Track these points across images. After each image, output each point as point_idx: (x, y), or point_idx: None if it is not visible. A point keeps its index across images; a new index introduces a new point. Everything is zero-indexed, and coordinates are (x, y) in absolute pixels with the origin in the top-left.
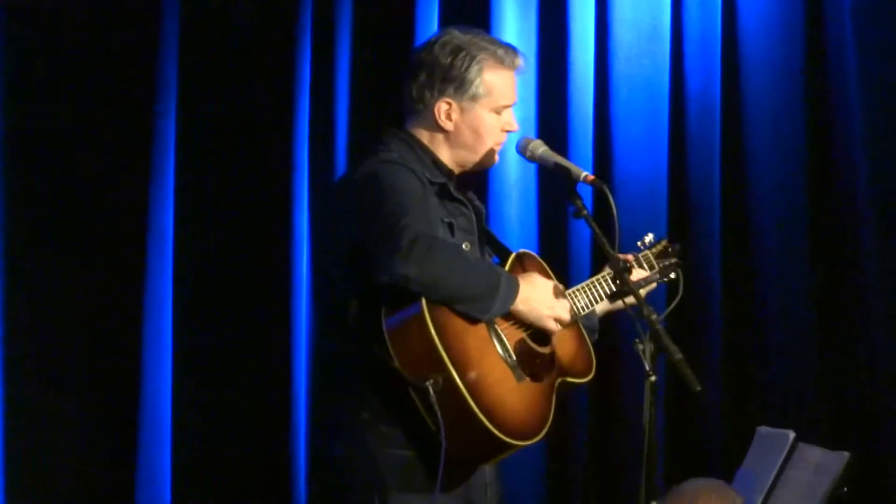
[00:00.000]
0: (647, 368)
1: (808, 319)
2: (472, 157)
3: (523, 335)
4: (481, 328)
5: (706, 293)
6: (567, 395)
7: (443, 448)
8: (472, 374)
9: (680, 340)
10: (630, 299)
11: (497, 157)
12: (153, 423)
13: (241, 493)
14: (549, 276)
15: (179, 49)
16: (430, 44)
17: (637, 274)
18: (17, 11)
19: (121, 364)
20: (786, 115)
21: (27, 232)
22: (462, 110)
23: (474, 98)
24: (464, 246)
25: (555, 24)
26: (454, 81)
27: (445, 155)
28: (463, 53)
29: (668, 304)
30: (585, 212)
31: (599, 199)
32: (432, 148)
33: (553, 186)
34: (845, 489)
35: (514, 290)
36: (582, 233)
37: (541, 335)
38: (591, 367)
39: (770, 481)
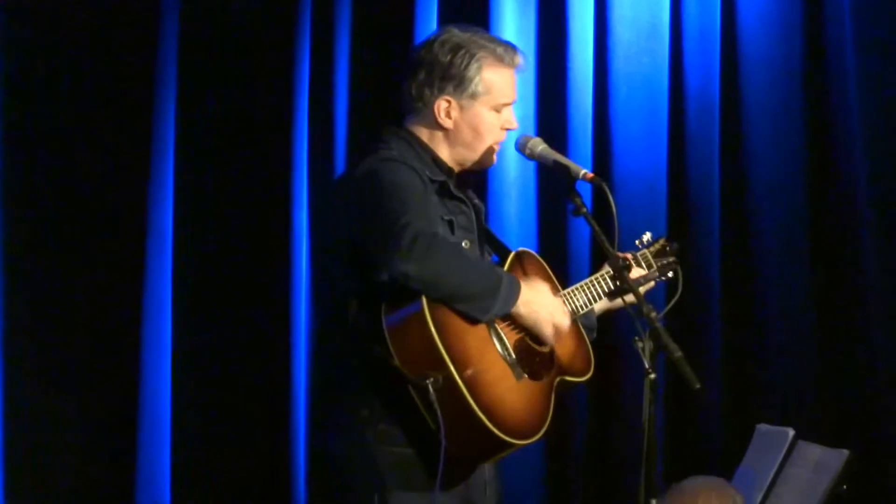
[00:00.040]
0: (647, 366)
1: (808, 319)
2: (472, 156)
3: (523, 334)
4: (481, 327)
5: (706, 293)
6: (566, 395)
7: (442, 447)
8: (472, 373)
9: (679, 340)
10: (630, 297)
11: (495, 158)
12: (153, 423)
13: (240, 493)
14: (548, 275)
15: (179, 49)
16: (429, 42)
17: (635, 272)
18: (17, 11)
19: (120, 364)
20: (785, 114)
21: (26, 232)
22: (461, 108)
23: (474, 96)
24: (463, 244)
25: (554, 23)
26: (454, 79)
27: (445, 153)
28: (462, 51)
29: (668, 302)
30: (584, 210)
31: (599, 197)
32: (432, 146)
33: (552, 184)
34: (845, 487)
35: (515, 291)
36: (581, 231)
37: None
38: (589, 366)
39: (770, 479)
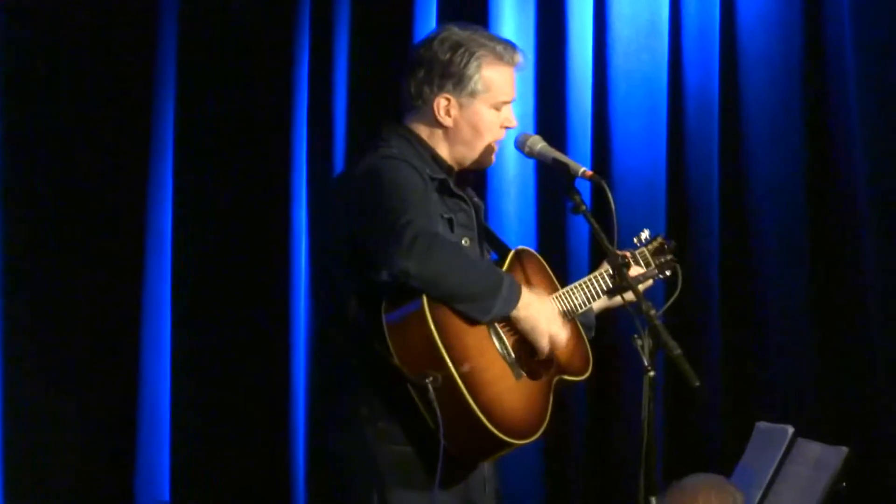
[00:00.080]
0: (646, 364)
1: (808, 319)
2: (471, 154)
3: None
4: (481, 326)
5: (705, 292)
6: (565, 393)
7: (441, 446)
8: (471, 372)
9: (679, 340)
10: (629, 295)
11: (494, 158)
12: (152, 423)
13: (240, 493)
14: (547, 273)
15: (178, 48)
16: (428, 40)
17: (634, 270)
18: (17, 11)
19: (120, 364)
20: (784, 112)
21: (26, 232)
22: (461, 106)
23: (473, 94)
24: (463, 242)
25: (553, 21)
26: (453, 77)
27: (444, 151)
28: (462, 49)
29: (667, 301)
30: (584, 207)
31: (598, 195)
32: (431, 144)
33: (551, 182)
34: (844, 484)
35: (516, 293)
36: (580, 228)
37: None
38: (588, 365)
39: (769, 476)
